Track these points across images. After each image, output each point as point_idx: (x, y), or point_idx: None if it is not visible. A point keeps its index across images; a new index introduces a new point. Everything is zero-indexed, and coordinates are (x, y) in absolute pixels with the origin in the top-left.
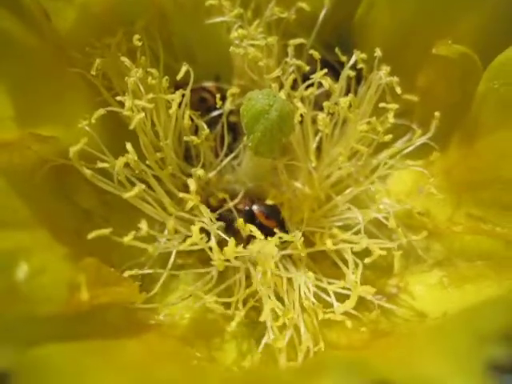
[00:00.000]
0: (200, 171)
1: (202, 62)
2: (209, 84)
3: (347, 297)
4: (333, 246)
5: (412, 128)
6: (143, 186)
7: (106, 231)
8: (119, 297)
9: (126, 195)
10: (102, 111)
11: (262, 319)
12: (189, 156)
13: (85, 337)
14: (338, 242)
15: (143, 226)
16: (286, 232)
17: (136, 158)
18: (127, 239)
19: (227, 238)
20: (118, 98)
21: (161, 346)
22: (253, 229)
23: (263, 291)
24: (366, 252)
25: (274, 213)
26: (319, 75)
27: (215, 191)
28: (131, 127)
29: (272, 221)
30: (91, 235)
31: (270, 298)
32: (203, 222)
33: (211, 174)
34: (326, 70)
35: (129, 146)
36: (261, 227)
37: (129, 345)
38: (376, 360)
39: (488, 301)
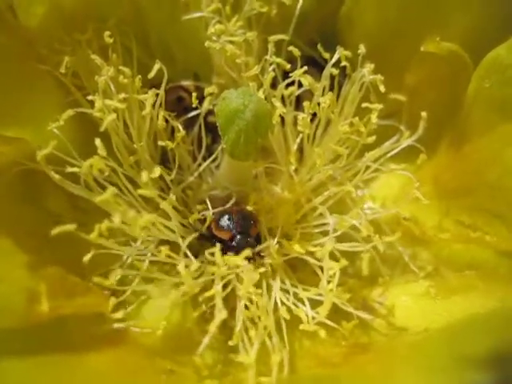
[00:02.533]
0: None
1: (179, 60)
2: (187, 83)
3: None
4: (301, 250)
5: (399, 130)
6: (115, 190)
7: (70, 227)
8: (85, 308)
9: (98, 199)
10: (70, 112)
11: (233, 338)
12: (166, 159)
13: (45, 351)
14: (310, 247)
15: (116, 219)
16: (256, 241)
17: (105, 154)
18: (93, 235)
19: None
20: (89, 97)
21: (129, 360)
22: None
23: (238, 303)
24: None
25: (245, 220)
26: (299, 73)
27: (193, 200)
28: (102, 129)
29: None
30: (55, 231)
31: (244, 308)
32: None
33: (190, 179)
34: (306, 68)
35: (98, 141)
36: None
37: (94, 359)
38: (353, 379)
39: (473, 318)
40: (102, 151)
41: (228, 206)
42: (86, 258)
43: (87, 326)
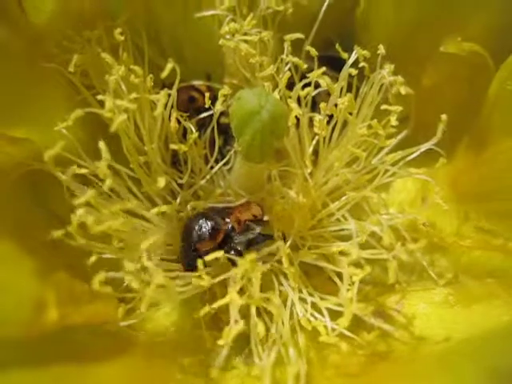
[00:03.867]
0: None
1: (191, 59)
2: (199, 83)
3: (342, 314)
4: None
5: (417, 133)
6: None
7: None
8: (95, 316)
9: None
10: (80, 112)
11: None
12: (177, 161)
13: (53, 362)
14: (330, 254)
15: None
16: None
17: (109, 157)
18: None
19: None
20: (99, 97)
21: (139, 369)
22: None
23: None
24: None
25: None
26: (316, 74)
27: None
28: (112, 130)
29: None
30: (56, 234)
31: (257, 316)
32: None
33: (201, 182)
34: (324, 69)
35: (102, 144)
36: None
37: (104, 370)
38: None
39: (498, 328)
40: (106, 154)
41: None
42: (91, 259)
43: (97, 334)
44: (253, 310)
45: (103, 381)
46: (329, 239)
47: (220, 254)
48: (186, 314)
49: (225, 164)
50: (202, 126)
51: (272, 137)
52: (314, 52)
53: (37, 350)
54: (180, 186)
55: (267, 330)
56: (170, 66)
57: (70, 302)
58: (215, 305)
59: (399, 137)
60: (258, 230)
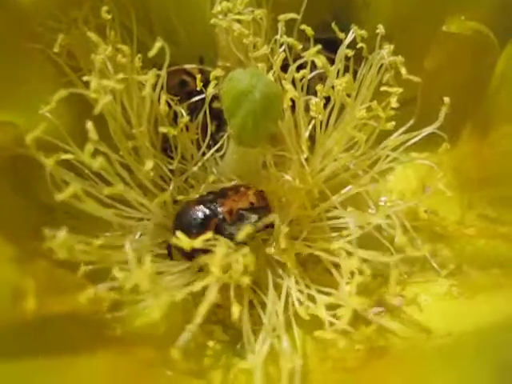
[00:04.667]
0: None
1: (183, 41)
2: (191, 66)
3: (339, 306)
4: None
5: (417, 117)
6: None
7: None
8: (78, 306)
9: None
10: (63, 93)
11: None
12: (168, 147)
13: (32, 353)
14: (327, 245)
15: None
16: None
17: (96, 138)
18: None
19: None
20: (85, 78)
21: (125, 366)
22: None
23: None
24: None
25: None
26: (312, 52)
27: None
28: (97, 111)
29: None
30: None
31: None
32: None
33: (194, 169)
34: (320, 47)
35: (89, 124)
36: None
37: (86, 363)
38: None
39: (504, 320)
40: (93, 135)
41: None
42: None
43: (80, 326)
44: (231, 292)
45: (84, 375)
46: (326, 229)
47: (209, 235)
48: (176, 308)
49: (218, 150)
50: (194, 110)
51: (265, 119)
52: (309, 31)
53: (13, 341)
54: (171, 173)
55: (260, 320)
56: (158, 44)
57: (51, 291)
58: (196, 286)
59: (406, 126)
60: (253, 219)
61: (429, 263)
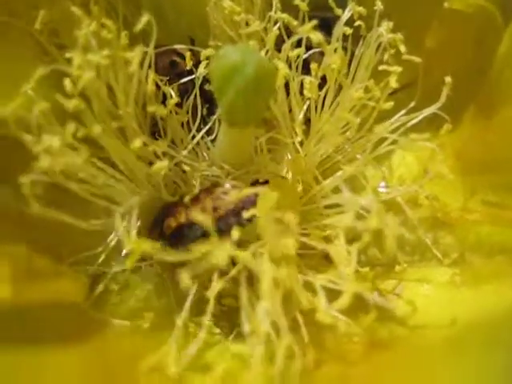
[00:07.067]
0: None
1: (173, 21)
2: (181, 46)
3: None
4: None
5: (419, 99)
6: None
7: None
8: (56, 295)
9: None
10: (43, 70)
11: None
12: (157, 131)
13: (4, 344)
14: (323, 231)
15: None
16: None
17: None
18: None
19: None
20: (67, 54)
21: (104, 360)
22: None
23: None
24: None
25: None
26: (307, 28)
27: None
28: (79, 87)
29: None
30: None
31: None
32: None
33: (184, 153)
34: (315, 22)
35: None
36: None
37: (62, 357)
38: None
39: (510, 309)
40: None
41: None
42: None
43: (57, 316)
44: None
45: (62, 368)
46: (322, 215)
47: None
48: (164, 298)
49: (209, 134)
50: (185, 92)
51: (257, 97)
52: (303, 6)
53: None
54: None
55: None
56: (145, 19)
57: (28, 278)
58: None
59: (407, 108)
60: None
61: (430, 252)
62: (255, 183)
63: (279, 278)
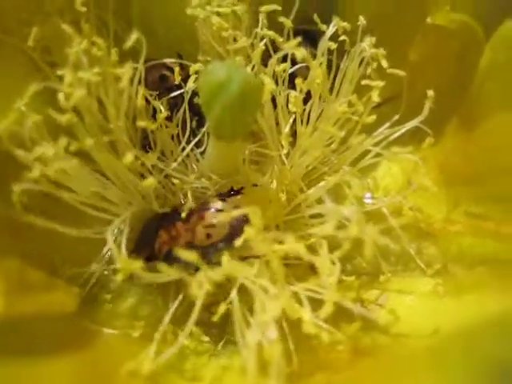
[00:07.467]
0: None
1: (162, 36)
2: (171, 60)
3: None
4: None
5: (403, 112)
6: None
7: None
8: (49, 306)
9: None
10: (36, 86)
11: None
12: (147, 144)
13: (1, 355)
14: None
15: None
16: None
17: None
18: None
19: None
20: (59, 72)
21: (97, 369)
22: None
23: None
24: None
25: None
26: (292, 44)
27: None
28: (71, 104)
29: None
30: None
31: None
32: None
33: (173, 165)
34: (300, 39)
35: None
36: None
37: (56, 367)
38: None
39: (490, 319)
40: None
41: None
42: None
43: (50, 327)
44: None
45: (56, 379)
46: (307, 224)
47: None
48: (156, 307)
49: (199, 148)
50: (174, 106)
51: (243, 112)
52: (288, 23)
53: None
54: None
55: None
56: (134, 36)
57: (21, 291)
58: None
59: (391, 121)
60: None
61: (414, 262)
62: (230, 192)
63: (270, 291)
